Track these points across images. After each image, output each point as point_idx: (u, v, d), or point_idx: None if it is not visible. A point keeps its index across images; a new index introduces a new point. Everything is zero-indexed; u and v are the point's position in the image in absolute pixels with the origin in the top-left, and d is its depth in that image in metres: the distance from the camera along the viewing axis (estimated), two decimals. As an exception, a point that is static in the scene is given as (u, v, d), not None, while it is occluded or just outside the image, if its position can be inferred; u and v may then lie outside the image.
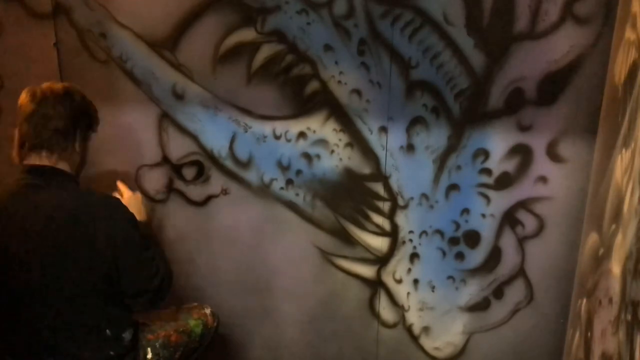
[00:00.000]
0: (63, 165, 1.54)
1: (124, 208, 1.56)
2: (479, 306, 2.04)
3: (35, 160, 1.51)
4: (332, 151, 1.99)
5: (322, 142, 1.99)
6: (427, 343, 2.14)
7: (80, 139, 1.57)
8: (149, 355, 1.72)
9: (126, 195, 1.80)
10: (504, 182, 1.89)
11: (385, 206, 2.01)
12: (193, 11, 1.94)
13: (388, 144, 1.94)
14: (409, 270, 2.07)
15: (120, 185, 1.84)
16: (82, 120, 1.57)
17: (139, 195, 1.83)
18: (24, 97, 1.54)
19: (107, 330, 1.57)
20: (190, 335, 1.83)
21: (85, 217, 1.47)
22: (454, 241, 1.99)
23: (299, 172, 2.04)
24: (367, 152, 1.97)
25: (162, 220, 2.19)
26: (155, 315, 1.82)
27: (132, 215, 1.57)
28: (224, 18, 1.93)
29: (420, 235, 2.02)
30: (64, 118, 1.51)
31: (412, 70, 1.84)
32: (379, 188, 2.00)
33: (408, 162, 1.95)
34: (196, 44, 1.97)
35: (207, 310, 1.93)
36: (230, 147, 2.07)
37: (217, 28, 1.94)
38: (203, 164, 2.10)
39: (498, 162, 1.88)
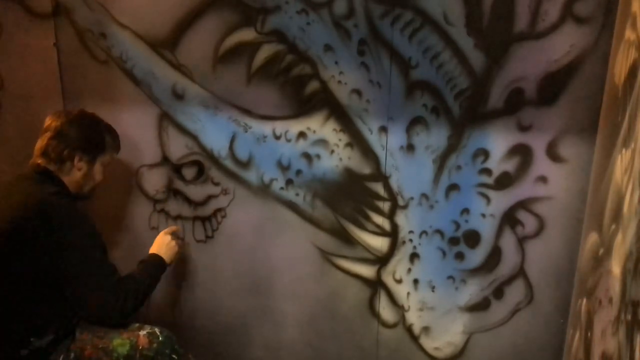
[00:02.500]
0: (60, 173, 1.75)
1: (79, 220, 1.66)
2: (479, 306, 2.04)
3: (40, 162, 1.75)
4: (332, 151, 1.99)
5: (322, 142, 1.99)
6: (427, 343, 2.14)
7: (82, 159, 1.77)
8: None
9: (160, 234, 1.98)
10: (504, 182, 1.89)
11: (385, 206, 2.02)
12: (193, 11, 1.94)
13: (388, 144, 1.94)
14: (409, 270, 2.07)
15: (169, 229, 2.01)
16: (83, 144, 1.77)
17: (169, 238, 1.95)
18: (48, 117, 1.79)
19: (23, 330, 1.64)
20: (111, 355, 1.71)
21: (42, 214, 1.60)
22: (454, 241, 1.99)
23: (299, 172, 2.04)
24: (367, 152, 1.97)
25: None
26: (88, 332, 1.76)
27: (84, 229, 1.66)
28: (224, 18, 1.93)
29: (420, 235, 2.02)
30: (65, 139, 1.74)
31: (412, 70, 1.84)
32: (379, 188, 2.00)
33: (408, 162, 1.95)
34: (196, 44, 1.97)
35: (142, 332, 1.76)
36: (230, 147, 2.07)
37: (217, 28, 1.94)
38: (203, 164, 2.10)
39: (498, 162, 1.88)
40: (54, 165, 1.74)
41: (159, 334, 1.78)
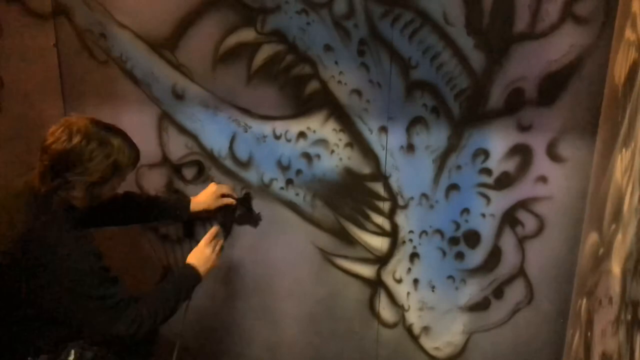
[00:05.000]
0: (63, 194, 1.55)
1: (78, 256, 1.53)
2: (479, 306, 2.04)
3: (37, 184, 1.55)
4: (332, 151, 1.99)
5: (322, 142, 1.99)
6: (427, 343, 2.14)
7: (95, 187, 1.57)
8: None
9: (203, 242, 1.83)
10: (504, 182, 1.89)
11: (385, 206, 2.01)
12: (193, 11, 1.94)
13: (388, 144, 1.94)
14: (409, 270, 2.07)
15: (212, 232, 1.87)
16: (96, 178, 1.55)
17: (209, 251, 1.82)
18: (51, 133, 1.54)
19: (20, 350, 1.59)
20: None
21: (41, 245, 1.50)
22: (454, 241, 1.99)
23: (299, 172, 2.04)
24: (367, 152, 1.97)
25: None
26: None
27: (86, 258, 1.54)
28: (224, 18, 1.93)
29: (420, 235, 2.02)
30: (74, 171, 1.52)
31: (412, 70, 1.84)
32: (379, 188, 2.00)
33: (408, 162, 1.95)
34: (196, 44, 1.97)
35: None
36: (230, 147, 2.07)
37: (217, 28, 1.94)
38: (203, 164, 2.10)
39: (498, 162, 1.88)
40: (60, 192, 1.54)
41: None
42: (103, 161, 1.54)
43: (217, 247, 1.85)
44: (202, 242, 1.83)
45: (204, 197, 2.02)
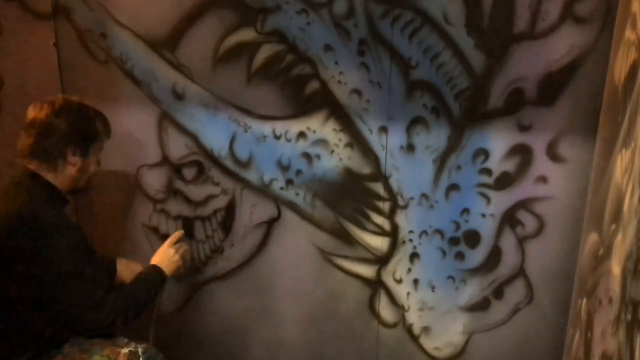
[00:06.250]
0: (50, 176, 1.62)
1: (68, 233, 1.58)
2: (479, 306, 2.04)
3: (28, 164, 1.62)
4: (332, 151, 1.99)
5: (322, 142, 1.99)
6: (427, 343, 2.14)
7: (76, 153, 1.63)
8: None
9: (164, 245, 1.88)
10: (504, 182, 1.89)
11: (385, 206, 2.01)
12: (193, 11, 1.94)
13: (388, 144, 1.94)
14: (409, 270, 2.07)
15: (174, 236, 1.90)
16: (75, 137, 1.62)
17: (172, 252, 1.86)
18: (30, 108, 1.62)
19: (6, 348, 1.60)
20: None
21: (26, 228, 1.53)
22: (454, 241, 1.99)
23: (299, 172, 2.04)
24: (367, 152, 1.97)
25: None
26: (69, 348, 1.72)
27: (72, 243, 1.58)
28: (224, 18, 1.92)
29: (420, 235, 2.02)
30: (53, 135, 1.59)
31: (412, 70, 1.84)
32: (379, 188, 2.00)
33: (408, 162, 1.95)
34: (196, 44, 1.97)
35: (124, 350, 1.71)
36: (230, 147, 2.07)
37: (217, 28, 1.94)
38: (203, 164, 2.10)
39: (498, 162, 1.88)
40: (44, 166, 1.61)
41: (140, 354, 1.72)
42: (85, 127, 1.64)
43: (181, 251, 1.88)
44: (165, 243, 1.88)
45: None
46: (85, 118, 1.65)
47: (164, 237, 2.22)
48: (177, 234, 1.92)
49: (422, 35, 1.80)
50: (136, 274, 1.81)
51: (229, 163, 2.09)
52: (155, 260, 1.85)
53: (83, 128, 1.64)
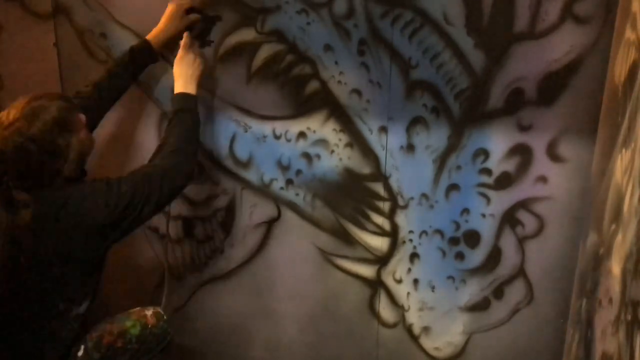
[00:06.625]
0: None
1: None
2: (479, 306, 2.04)
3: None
4: (332, 151, 1.99)
5: (322, 142, 1.99)
6: (427, 343, 2.14)
7: (61, 156, 1.58)
8: (80, 353, 1.73)
9: (179, 54, 1.85)
10: (504, 182, 1.89)
11: (385, 206, 2.01)
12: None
13: (388, 144, 1.94)
14: (409, 270, 2.07)
15: (184, 40, 1.86)
16: (50, 152, 1.55)
17: (192, 56, 1.83)
18: None
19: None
20: (125, 337, 1.78)
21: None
22: (454, 241, 1.99)
23: (299, 172, 2.04)
24: (367, 152, 1.97)
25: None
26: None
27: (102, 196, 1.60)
28: (224, 18, 1.92)
29: (420, 235, 2.02)
30: (32, 162, 1.53)
31: (412, 70, 1.84)
32: (379, 188, 2.00)
33: (408, 162, 1.95)
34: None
35: (149, 312, 1.86)
36: (230, 147, 2.07)
37: (217, 28, 1.94)
38: (203, 164, 2.10)
39: (498, 162, 1.88)
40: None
41: (162, 313, 1.89)
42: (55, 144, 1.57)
43: (197, 50, 1.85)
44: (180, 51, 1.84)
45: (164, 24, 1.87)
46: (49, 132, 1.54)
47: (163, 237, 2.23)
48: (185, 38, 1.85)
49: (422, 35, 1.80)
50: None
51: (229, 163, 2.09)
52: (179, 83, 1.82)
53: (54, 144, 1.55)
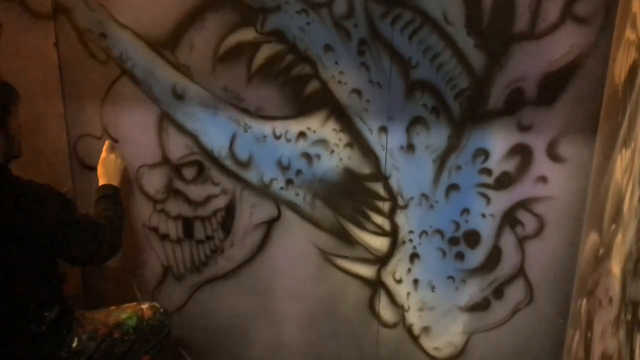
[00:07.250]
0: None
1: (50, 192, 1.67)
2: (479, 306, 2.04)
3: None
4: (332, 151, 1.99)
5: (322, 142, 1.99)
6: (427, 343, 2.14)
7: None
8: (74, 344, 1.78)
9: (102, 156, 2.04)
10: (504, 182, 1.89)
11: (385, 206, 2.01)
12: (193, 11, 1.94)
13: (388, 144, 1.94)
14: (409, 270, 2.07)
15: (106, 145, 2.06)
16: None
17: (113, 157, 2.03)
18: None
19: (35, 307, 1.67)
20: (122, 328, 1.86)
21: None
22: (454, 241, 1.99)
23: (299, 172, 2.04)
24: (367, 152, 1.97)
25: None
26: (90, 313, 1.90)
27: (57, 198, 1.68)
28: (224, 18, 1.92)
29: (420, 235, 2.02)
30: None
31: (412, 70, 1.84)
32: (379, 188, 2.00)
33: (408, 162, 1.95)
34: (196, 44, 1.97)
35: (144, 305, 1.96)
36: (230, 147, 2.07)
37: (217, 28, 1.94)
38: (203, 164, 2.10)
39: (498, 162, 1.88)
40: None
41: (158, 306, 1.99)
42: None
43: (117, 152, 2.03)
44: (102, 154, 2.03)
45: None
46: None
47: (164, 237, 2.23)
48: (107, 143, 2.06)
49: (422, 35, 1.80)
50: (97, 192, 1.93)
51: (229, 163, 2.09)
52: (103, 179, 1.96)
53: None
